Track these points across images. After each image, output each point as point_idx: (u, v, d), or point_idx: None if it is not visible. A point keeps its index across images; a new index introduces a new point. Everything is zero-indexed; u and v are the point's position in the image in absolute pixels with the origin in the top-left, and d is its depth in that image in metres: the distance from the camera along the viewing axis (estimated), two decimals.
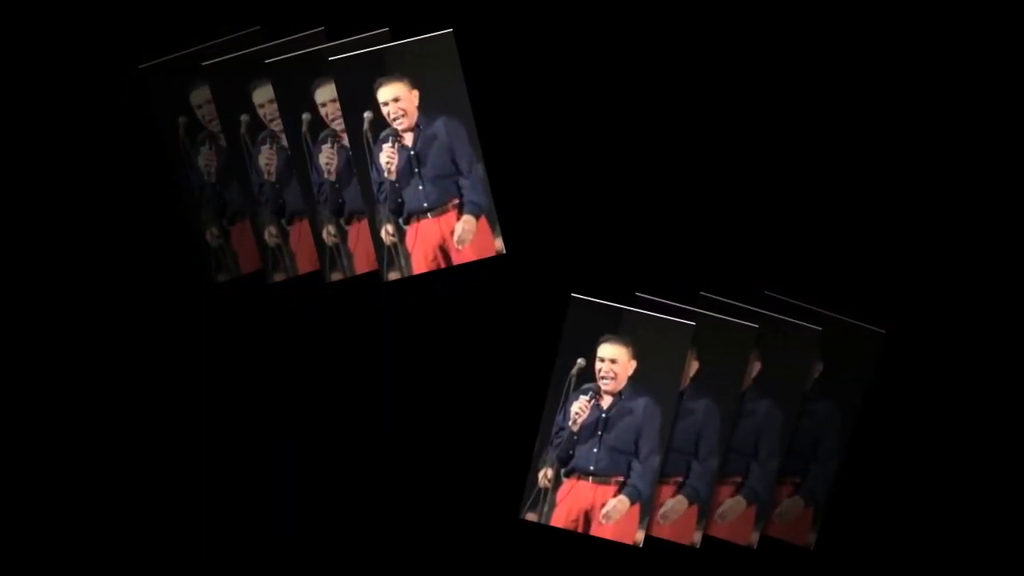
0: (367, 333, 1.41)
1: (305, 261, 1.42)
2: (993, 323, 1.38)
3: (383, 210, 1.37)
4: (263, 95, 1.39)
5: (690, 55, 1.37)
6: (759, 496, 1.38)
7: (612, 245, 1.40)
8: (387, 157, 1.36)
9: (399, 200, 1.37)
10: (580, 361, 1.37)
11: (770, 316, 1.35)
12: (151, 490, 1.44)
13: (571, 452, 1.38)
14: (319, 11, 1.39)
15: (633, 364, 1.36)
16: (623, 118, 1.38)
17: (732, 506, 1.39)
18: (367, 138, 1.36)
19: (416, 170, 1.36)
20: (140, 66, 1.40)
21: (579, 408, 1.37)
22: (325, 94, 1.37)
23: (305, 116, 1.37)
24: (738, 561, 1.40)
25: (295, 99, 1.37)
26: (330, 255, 1.40)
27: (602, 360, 1.36)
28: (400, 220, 1.38)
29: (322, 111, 1.38)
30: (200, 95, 1.41)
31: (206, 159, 1.43)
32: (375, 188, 1.37)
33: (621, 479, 1.38)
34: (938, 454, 1.39)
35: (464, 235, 1.38)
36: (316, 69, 1.35)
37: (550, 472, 1.38)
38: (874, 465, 1.40)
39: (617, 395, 1.37)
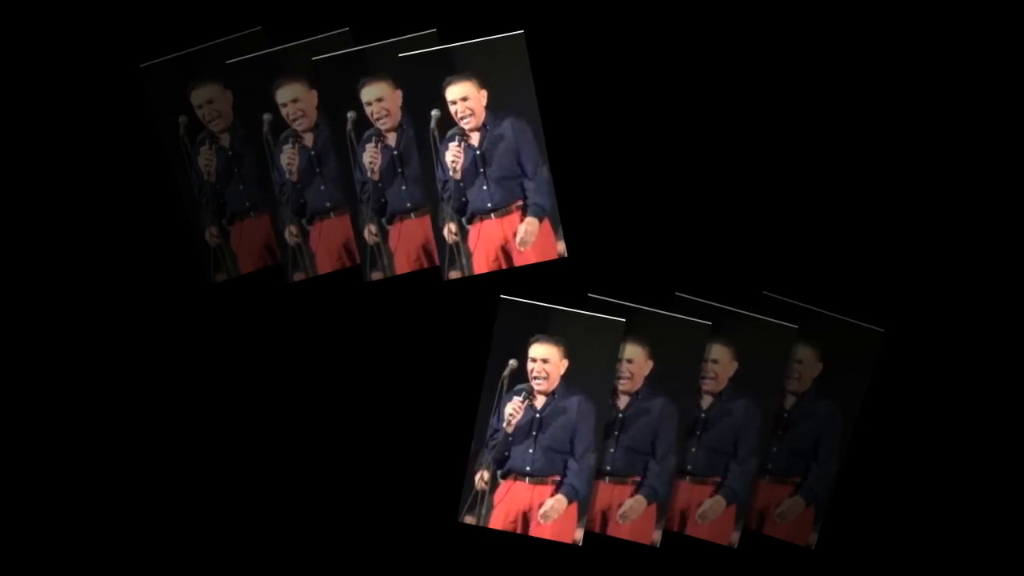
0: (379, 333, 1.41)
1: (325, 261, 1.42)
2: (992, 322, 1.38)
3: (446, 208, 1.36)
4: (286, 95, 1.37)
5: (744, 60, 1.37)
6: (738, 496, 1.37)
7: (640, 248, 1.39)
8: (453, 156, 1.35)
9: (463, 199, 1.36)
10: (512, 362, 1.36)
11: (746, 315, 1.35)
12: (148, 488, 1.44)
13: (506, 453, 1.37)
14: (319, 12, 1.39)
15: (565, 363, 1.35)
16: (683, 123, 1.37)
17: (712, 506, 1.38)
18: (433, 136, 1.35)
19: (481, 170, 1.35)
20: (140, 66, 1.40)
21: (513, 409, 1.37)
22: (371, 93, 1.35)
23: (350, 115, 1.36)
24: (741, 561, 1.40)
25: (340, 98, 1.36)
26: (371, 254, 1.40)
27: (534, 360, 1.35)
28: (463, 219, 1.37)
29: (367, 110, 1.36)
30: (200, 95, 1.41)
31: (206, 159, 1.42)
32: (439, 186, 1.36)
33: (558, 479, 1.37)
34: (938, 453, 1.39)
35: (527, 237, 1.37)
36: (362, 68, 1.35)
37: (486, 474, 1.38)
38: (874, 465, 1.40)
39: (550, 395, 1.36)
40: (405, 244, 1.39)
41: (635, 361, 1.35)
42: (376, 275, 1.40)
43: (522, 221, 1.37)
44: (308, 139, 1.39)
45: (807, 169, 1.37)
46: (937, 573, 1.39)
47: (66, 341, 1.43)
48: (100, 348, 1.43)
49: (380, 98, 1.36)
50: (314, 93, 1.37)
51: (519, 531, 1.38)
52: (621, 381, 1.36)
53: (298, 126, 1.39)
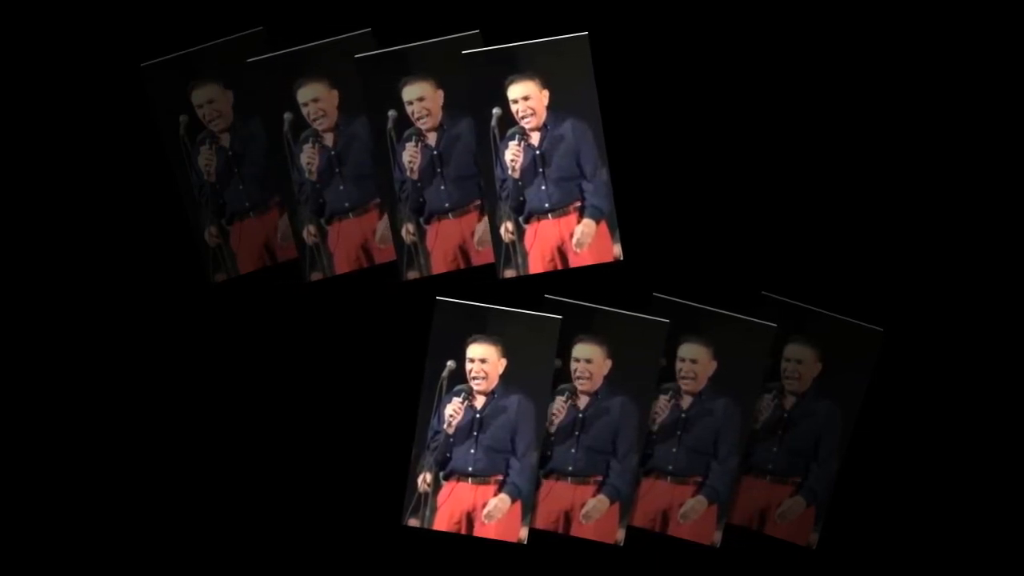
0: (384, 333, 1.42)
1: (343, 262, 1.42)
2: (991, 321, 1.38)
3: (504, 207, 1.35)
4: (307, 94, 1.36)
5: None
6: (720, 495, 1.36)
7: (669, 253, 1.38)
8: (512, 155, 1.33)
9: (521, 199, 1.34)
10: (450, 363, 1.34)
11: (724, 315, 1.33)
12: (147, 487, 1.44)
13: (448, 455, 1.36)
14: (320, 12, 1.39)
15: (504, 362, 1.33)
16: (692, 125, 1.37)
17: (693, 506, 1.36)
18: (494, 134, 1.33)
19: (540, 170, 1.32)
20: (140, 66, 1.40)
21: (453, 410, 1.35)
22: (412, 92, 1.33)
23: (391, 113, 1.35)
24: (741, 561, 1.40)
25: (382, 96, 1.34)
26: (408, 253, 1.39)
27: (472, 361, 1.34)
28: (520, 218, 1.36)
29: (408, 109, 1.33)
30: (200, 95, 1.40)
31: (206, 159, 1.42)
32: (497, 185, 1.34)
33: (500, 478, 1.35)
34: (938, 453, 1.39)
35: (583, 238, 1.35)
36: (405, 67, 1.34)
37: (429, 476, 1.36)
38: (874, 465, 1.40)
39: (490, 394, 1.34)
40: (442, 244, 1.38)
41: (594, 361, 1.34)
42: (412, 274, 1.39)
43: (579, 222, 1.36)
44: (328, 139, 1.38)
45: (806, 170, 1.37)
46: (937, 573, 1.39)
47: (65, 341, 1.43)
48: (100, 347, 1.43)
49: (422, 97, 1.34)
50: (335, 93, 1.36)
51: (464, 532, 1.37)
52: (580, 381, 1.35)
53: (318, 126, 1.38)
